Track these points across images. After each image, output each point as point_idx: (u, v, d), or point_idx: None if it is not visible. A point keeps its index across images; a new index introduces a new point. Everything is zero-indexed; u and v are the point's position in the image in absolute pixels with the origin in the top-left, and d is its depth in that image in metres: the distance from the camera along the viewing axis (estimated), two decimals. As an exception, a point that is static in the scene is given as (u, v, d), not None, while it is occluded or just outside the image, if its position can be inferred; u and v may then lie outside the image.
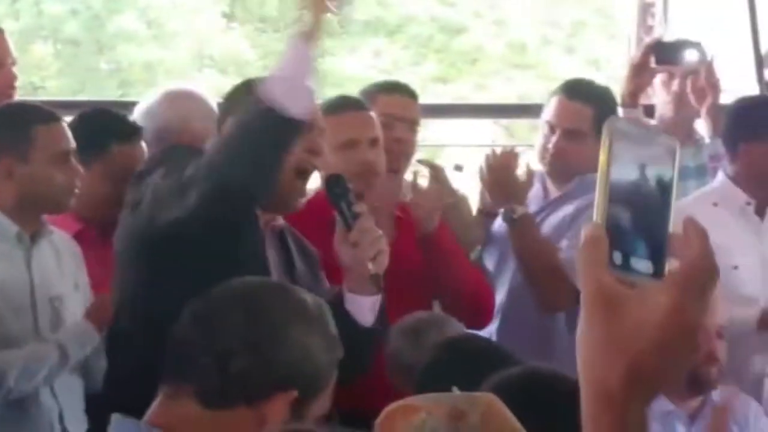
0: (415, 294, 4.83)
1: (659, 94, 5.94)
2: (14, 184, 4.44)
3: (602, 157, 1.42)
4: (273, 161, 3.90)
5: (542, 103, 5.48)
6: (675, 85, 5.86)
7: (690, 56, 5.82)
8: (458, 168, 5.48)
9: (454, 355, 3.87)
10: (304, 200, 4.21)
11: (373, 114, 4.96)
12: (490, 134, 14.85)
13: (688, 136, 5.87)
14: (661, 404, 4.44)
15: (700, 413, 4.62)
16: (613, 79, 17.15)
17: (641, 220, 1.43)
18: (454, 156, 9.98)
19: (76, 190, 4.46)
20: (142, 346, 4.02)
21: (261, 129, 3.83)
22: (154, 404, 2.70)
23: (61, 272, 4.50)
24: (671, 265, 1.45)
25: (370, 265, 4.03)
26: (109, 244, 4.37)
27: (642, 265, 1.43)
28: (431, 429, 2.16)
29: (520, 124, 14.26)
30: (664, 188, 1.43)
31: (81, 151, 4.57)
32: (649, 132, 1.47)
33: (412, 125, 5.24)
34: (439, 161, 5.82)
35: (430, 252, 4.92)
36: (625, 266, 1.43)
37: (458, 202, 5.25)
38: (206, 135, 4.64)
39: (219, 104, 4.61)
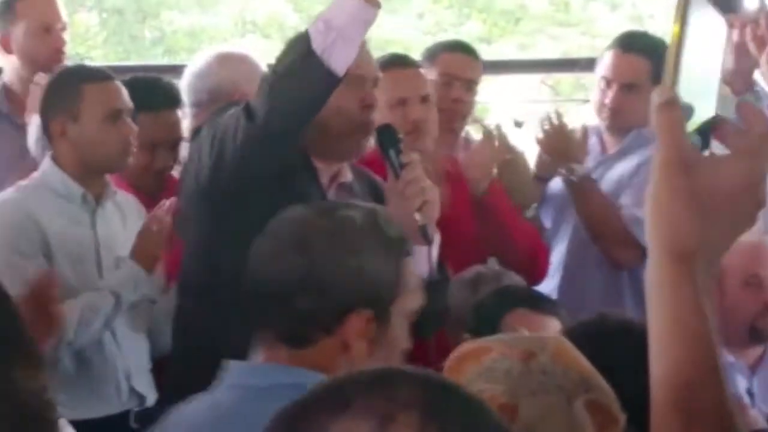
0: (470, 250, 4.79)
1: None
2: (70, 143, 4.50)
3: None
4: (307, 107, 3.86)
5: (587, 57, 5.46)
6: (734, 34, 5.72)
7: (749, 4, 5.69)
8: (518, 124, 5.40)
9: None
10: (362, 151, 4.19)
11: (423, 71, 4.94)
12: (536, 91, 14.84)
13: (747, 86, 5.76)
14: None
15: (761, 364, 4.59)
16: (658, 34, 17.17)
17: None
18: (501, 113, 9.92)
19: (133, 149, 4.50)
20: (208, 315, 4.02)
21: (300, 73, 3.78)
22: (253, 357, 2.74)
23: (126, 233, 4.54)
24: None
25: (417, 216, 3.96)
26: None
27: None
28: (505, 368, 2.15)
29: (565, 80, 14.21)
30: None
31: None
32: None
33: (471, 85, 5.22)
34: (487, 119, 5.75)
35: (483, 212, 4.87)
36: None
37: (515, 158, 5.16)
38: None
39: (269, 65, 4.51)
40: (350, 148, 4.11)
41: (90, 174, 4.50)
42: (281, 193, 3.83)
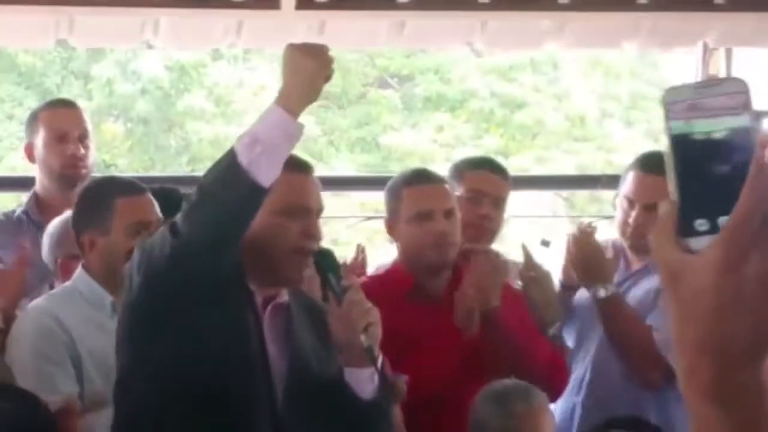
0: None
1: None
2: (99, 254, 4.48)
3: (665, 121, 1.31)
4: (232, 221, 3.78)
5: (602, 174, 5.40)
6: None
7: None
8: (545, 243, 5.33)
9: None
10: (304, 276, 4.09)
11: (447, 186, 4.89)
12: (551, 206, 14.80)
13: None
14: None
15: None
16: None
17: (721, 174, 1.28)
18: (518, 227, 9.89)
19: None
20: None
21: (225, 186, 3.72)
22: None
23: None
24: None
25: (362, 338, 3.89)
26: None
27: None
28: None
29: (581, 195, 14.17)
30: (745, 125, 1.28)
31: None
32: (707, 86, 1.31)
33: (498, 202, 5.16)
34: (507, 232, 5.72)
35: (489, 328, 4.72)
36: (714, 228, 1.29)
37: (541, 277, 5.05)
38: None
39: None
40: (288, 275, 4.03)
41: (118, 283, 4.38)
42: (214, 314, 3.84)
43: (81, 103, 13.72)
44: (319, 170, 15.95)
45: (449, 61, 17.04)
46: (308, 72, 3.92)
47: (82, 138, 5.49)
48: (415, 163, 16.83)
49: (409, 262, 4.81)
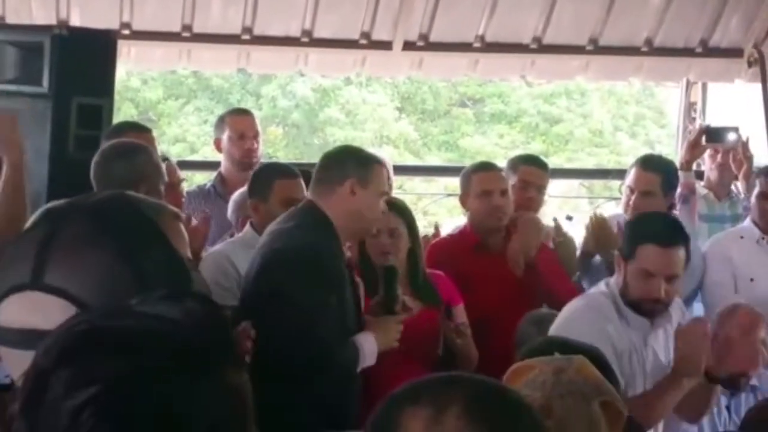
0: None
1: (707, 164, 5.74)
2: (261, 216, 4.37)
3: None
4: None
5: (614, 168, 5.29)
6: (719, 157, 5.66)
7: (731, 137, 5.60)
8: (569, 218, 5.26)
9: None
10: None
11: (503, 173, 4.82)
12: (577, 190, 14.70)
13: (727, 194, 5.65)
14: None
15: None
16: (663, 155, 16.96)
17: None
18: (553, 206, 9.79)
19: None
20: None
21: None
22: None
23: None
24: None
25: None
26: None
27: None
28: (542, 380, 2.12)
29: (597, 184, 14.04)
30: None
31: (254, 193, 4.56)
32: None
33: (541, 188, 5.05)
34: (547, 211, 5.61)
35: (530, 270, 4.64)
36: None
37: (566, 241, 5.00)
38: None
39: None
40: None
41: None
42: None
43: (253, 113, 13.74)
44: (416, 163, 15.91)
45: (509, 89, 16.95)
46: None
47: (255, 136, 5.48)
48: (482, 159, 16.86)
49: (475, 226, 4.75)
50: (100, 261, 1.45)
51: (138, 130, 4.66)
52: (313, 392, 3.68)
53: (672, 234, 3.73)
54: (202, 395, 1.14)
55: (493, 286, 4.54)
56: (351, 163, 3.87)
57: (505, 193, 4.69)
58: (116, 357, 1.13)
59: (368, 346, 3.79)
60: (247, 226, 4.51)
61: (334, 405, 3.72)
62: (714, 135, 5.60)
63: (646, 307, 3.71)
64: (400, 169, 11.28)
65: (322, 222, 3.78)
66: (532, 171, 5.03)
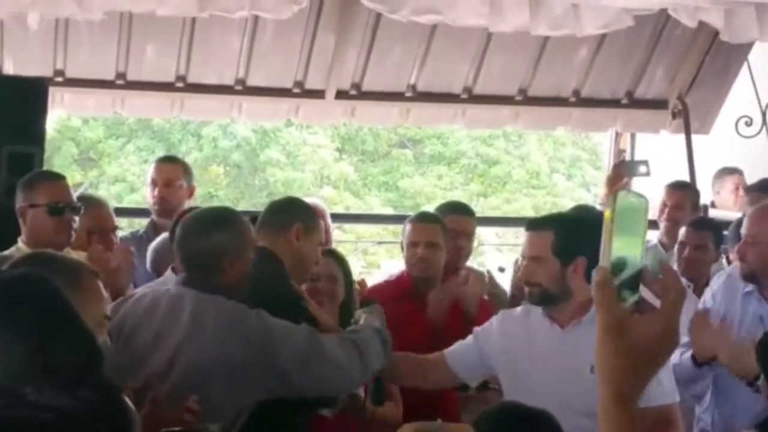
0: None
1: (658, 215, 5.97)
2: None
3: (607, 215, 1.36)
4: None
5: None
6: (667, 211, 5.95)
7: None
8: (501, 269, 5.28)
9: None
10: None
11: (438, 226, 4.73)
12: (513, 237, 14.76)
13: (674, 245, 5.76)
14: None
15: None
16: (597, 196, 17.08)
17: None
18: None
19: None
20: None
21: None
22: None
23: None
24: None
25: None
26: None
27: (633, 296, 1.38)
28: None
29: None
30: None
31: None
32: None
33: (470, 236, 5.04)
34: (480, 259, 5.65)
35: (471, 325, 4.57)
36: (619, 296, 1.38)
37: (499, 293, 5.00)
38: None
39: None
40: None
41: None
42: None
43: (194, 154, 13.71)
44: (357, 204, 15.88)
45: (448, 131, 17.05)
46: None
47: (167, 184, 5.47)
48: (422, 200, 16.92)
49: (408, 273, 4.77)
50: (3, 339, 1.46)
51: (51, 178, 4.51)
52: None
53: None
54: None
55: (417, 333, 4.51)
56: (297, 211, 4.06)
57: (432, 246, 4.66)
58: None
59: None
60: (168, 272, 4.39)
61: None
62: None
63: None
64: (341, 217, 11.35)
65: (278, 266, 3.90)
66: (459, 219, 4.97)
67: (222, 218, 3.79)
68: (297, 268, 3.97)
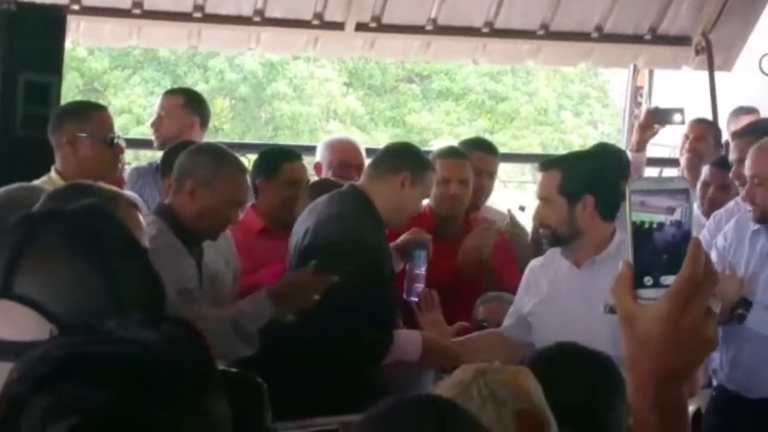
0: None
1: (680, 150, 5.83)
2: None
3: (627, 210, 1.30)
4: None
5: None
6: (688, 144, 5.72)
7: (676, 118, 5.73)
8: (522, 208, 5.20)
9: None
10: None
11: (467, 162, 4.66)
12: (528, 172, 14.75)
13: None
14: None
15: None
16: (605, 134, 17.06)
17: (664, 248, 1.29)
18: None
19: None
20: None
21: None
22: None
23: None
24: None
25: None
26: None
27: (671, 280, 1.29)
28: (459, 380, 2.07)
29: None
30: (679, 219, 1.30)
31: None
32: (662, 182, 1.33)
33: (492, 175, 5.01)
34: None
35: (485, 269, 4.62)
36: (656, 284, 1.29)
37: (520, 231, 4.90)
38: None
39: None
40: None
41: None
42: None
43: (201, 86, 13.66)
44: (364, 138, 15.87)
45: (455, 66, 16.96)
46: None
47: (167, 116, 5.34)
48: (429, 136, 16.85)
49: (434, 210, 4.68)
50: (74, 272, 1.42)
51: (102, 108, 4.41)
52: (335, 371, 3.82)
53: None
54: (181, 425, 1.12)
55: (443, 272, 4.46)
56: (410, 160, 4.09)
57: (464, 183, 4.62)
58: (95, 387, 1.10)
59: (409, 342, 3.95)
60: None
61: (352, 385, 3.77)
62: (660, 116, 5.76)
63: None
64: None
65: (366, 207, 3.98)
66: (485, 157, 4.91)
67: (212, 149, 3.86)
68: (394, 215, 4.05)
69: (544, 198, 3.85)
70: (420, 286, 4.27)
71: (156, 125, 5.36)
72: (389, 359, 3.92)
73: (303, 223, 4.05)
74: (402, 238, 4.33)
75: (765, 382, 4.04)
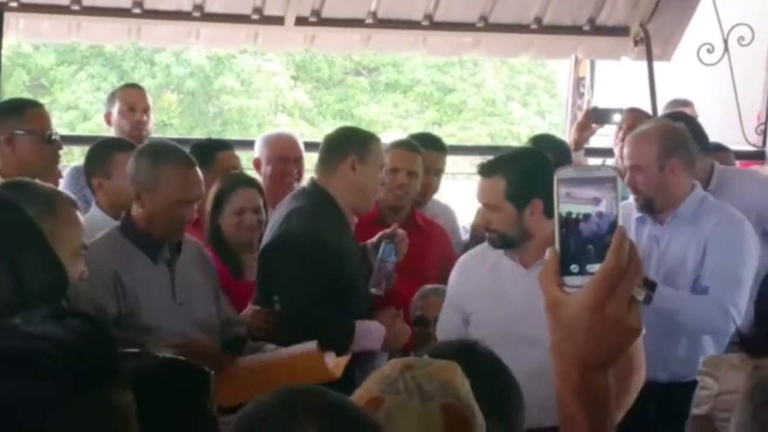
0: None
1: (613, 141, 5.75)
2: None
3: (555, 201, 1.32)
4: None
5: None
6: (621, 133, 5.65)
7: (616, 118, 5.67)
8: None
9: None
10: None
11: (419, 156, 4.66)
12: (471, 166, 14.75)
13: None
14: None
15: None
16: (553, 124, 17.13)
17: (590, 238, 1.31)
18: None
19: None
20: None
21: None
22: None
23: None
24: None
25: None
26: None
27: (597, 268, 1.30)
28: (386, 374, 2.04)
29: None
30: (604, 210, 1.32)
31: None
32: (588, 170, 1.34)
33: (439, 173, 5.00)
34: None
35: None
36: (582, 272, 1.31)
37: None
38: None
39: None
40: None
41: None
42: None
43: (147, 81, 13.60)
44: (312, 132, 15.78)
45: (403, 58, 16.98)
46: None
47: (145, 110, 5.41)
48: (378, 128, 16.85)
49: (379, 200, 4.55)
50: None
51: (38, 105, 4.34)
52: None
53: None
54: (89, 417, 1.14)
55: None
56: (349, 142, 4.09)
57: (412, 175, 4.62)
58: (1, 381, 1.11)
59: (369, 333, 4.00)
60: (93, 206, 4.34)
61: None
62: (599, 116, 5.70)
63: None
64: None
65: (324, 202, 4.00)
66: (431, 155, 4.84)
67: (150, 150, 3.77)
68: (360, 198, 4.06)
69: (489, 204, 3.75)
70: (385, 279, 4.19)
71: (138, 118, 5.37)
72: (355, 349, 3.92)
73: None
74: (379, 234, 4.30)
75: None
